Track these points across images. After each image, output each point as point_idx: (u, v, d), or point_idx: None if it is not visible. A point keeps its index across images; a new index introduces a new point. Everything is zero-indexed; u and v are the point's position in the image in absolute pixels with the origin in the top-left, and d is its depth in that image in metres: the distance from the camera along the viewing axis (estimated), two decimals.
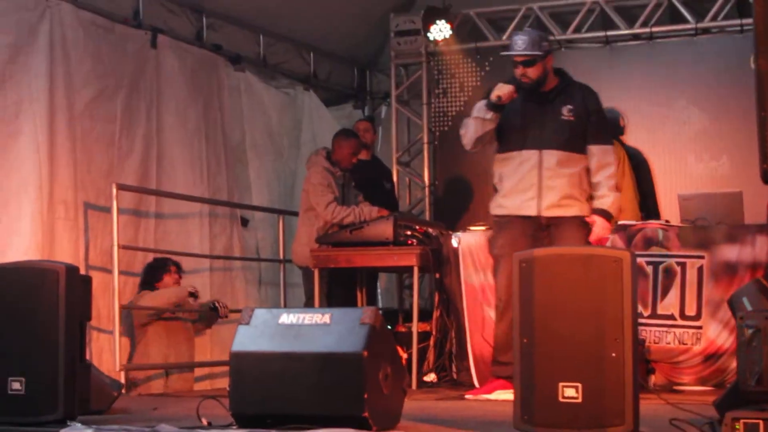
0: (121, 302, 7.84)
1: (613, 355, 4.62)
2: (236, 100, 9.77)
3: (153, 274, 8.37)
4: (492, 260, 8.04)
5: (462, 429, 5.32)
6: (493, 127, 6.93)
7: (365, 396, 4.86)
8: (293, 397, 4.97)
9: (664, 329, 7.71)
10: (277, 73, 10.42)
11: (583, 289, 4.72)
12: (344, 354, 4.94)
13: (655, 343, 7.70)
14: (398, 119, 11.21)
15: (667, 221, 8.01)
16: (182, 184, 8.90)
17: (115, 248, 7.75)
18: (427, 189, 11.02)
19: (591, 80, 7.37)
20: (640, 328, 7.38)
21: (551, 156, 6.90)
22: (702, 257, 7.67)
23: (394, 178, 10.71)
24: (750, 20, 9.45)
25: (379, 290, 10.42)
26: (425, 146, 11.04)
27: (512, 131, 6.98)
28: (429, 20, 10.53)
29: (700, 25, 9.98)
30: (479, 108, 6.95)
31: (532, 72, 6.89)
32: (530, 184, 6.92)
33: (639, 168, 8.95)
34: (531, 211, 6.92)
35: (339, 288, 8.81)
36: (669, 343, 7.71)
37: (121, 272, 7.85)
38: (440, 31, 10.52)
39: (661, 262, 7.74)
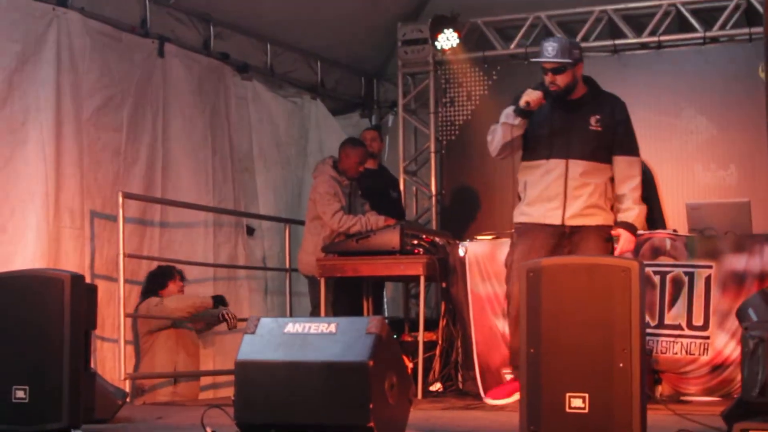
0: (126, 311, 7.82)
1: (621, 365, 4.60)
2: (243, 108, 9.76)
3: (157, 282, 8.35)
4: (500, 268, 8.07)
5: None
6: (520, 134, 6.88)
7: (371, 406, 4.85)
8: (298, 407, 4.97)
9: (672, 339, 7.67)
10: (284, 82, 10.41)
11: (591, 298, 4.71)
12: (350, 363, 4.93)
13: (662, 353, 7.65)
14: (405, 128, 11.19)
15: (674, 231, 7.97)
16: (188, 193, 8.88)
17: (121, 257, 7.74)
18: (433, 198, 11.00)
19: None
20: (648, 338, 7.34)
21: (577, 166, 6.86)
22: (710, 267, 7.63)
23: (401, 187, 10.69)
24: (759, 29, 9.50)
25: (385, 299, 10.39)
26: (432, 155, 11.02)
27: (539, 139, 6.93)
28: (436, 29, 10.53)
29: (708, 33, 9.95)
30: (507, 114, 6.89)
31: (561, 80, 6.84)
32: (556, 193, 6.88)
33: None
34: (555, 219, 6.88)
35: (345, 297, 8.79)
36: (676, 354, 7.66)
37: (126, 281, 7.84)
38: (448, 40, 10.51)
39: (668, 272, 7.70)
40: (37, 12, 7.74)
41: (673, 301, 7.71)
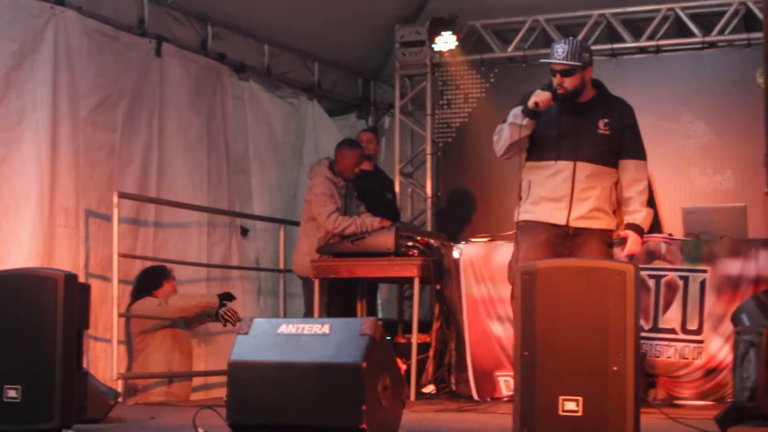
0: (120, 310, 7.81)
1: (615, 369, 4.60)
2: (240, 109, 9.74)
3: (152, 282, 8.33)
4: (495, 271, 8.07)
5: None
6: (528, 134, 6.82)
7: (364, 407, 4.84)
8: (291, 408, 4.96)
9: (666, 343, 7.67)
10: (281, 83, 10.40)
11: (585, 302, 4.70)
12: (343, 364, 4.92)
13: (656, 356, 7.66)
14: (402, 130, 11.18)
15: (670, 235, 7.97)
16: (182, 193, 8.86)
17: (115, 256, 7.72)
18: (429, 200, 10.98)
19: None
20: (642, 341, 7.34)
21: (584, 168, 6.83)
22: (705, 271, 7.63)
23: (397, 189, 10.68)
24: (757, 35, 9.51)
25: (379, 301, 10.38)
26: (428, 157, 11.00)
27: (547, 140, 6.87)
28: (434, 31, 10.52)
29: (707, 38, 9.94)
30: (515, 114, 6.82)
31: (569, 82, 6.80)
32: (562, 195, 6.84)
33: None
34: (560, 220, 6.84)
35: (339, 298, 8.78)
36: (670, 357, 7.67)
37: (120, 281, 7.81)
38: (446, 42, 10.49)
39: (663, 276, 7.71)
40: (35, 10, 7.73)
41: (668, 305, 7.71)
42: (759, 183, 9.32)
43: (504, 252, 8.11)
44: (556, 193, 6.84)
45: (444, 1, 10.82)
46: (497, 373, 8.03)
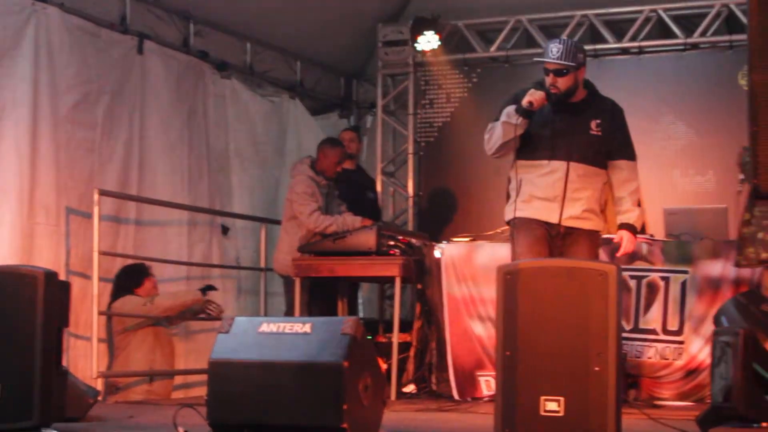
0: (100, 308, 7.77)
1: (597, 369, 4.60)
2: (221, 107, 9.71)
3: (132, 279, 8.30)
4: (476, 271, 8.07)
5: None
6: (520, 133, 6.79)
7: (345, 407, 4.84)
8: (272, 407, 4.94)
9: (646, 344, 7.69)
10: (263, 81, 10.37)
11: (567, 302, 4.70)
12: (324, 364, 4.91)
13: (636, 357, 7.67)
14: (384, 129, 11.17)
15: (651, 235, 7.98)
16: (163, 191, 8.83)
17: (96, 254, 7.69)
18: (410, 199, 10.97)
19: None
20: (622, 342, 7.34)
21: (577, 169, 6.83)
22: (686, 272, 7.65)
23: (378, 188, 10.67)
24: (739, 36, 9.54)
25: (360, 300, 10.37)
26: (410, 157, 10.99)
27: (540, 140, 6.86)
28: (417, 31, 10.50)
29: (689, 40, 9.97)
30: (509, 113, 6.79)
31: (563, 82, 6.79)
32: (554, 194, 6.83)
33: None
34: (552, 218, 6.83)
35: (320, 297, 8.76)
36: (650, 358, 7.68)
37: (100, 278, 7.78)
38: (428, 41, 10.48)
39: (644, 277, 7.72)
40: (16, 7, 7.69)
41: (649, 306, 7.73)
42: None
43: (485, 252, 8.13)
44: (548, 193, 6.83)
45: (426, 1, 10.83)
46: (478, 373, 8.03)
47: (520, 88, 7.01)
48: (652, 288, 7.68)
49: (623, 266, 7.35)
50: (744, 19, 9.64)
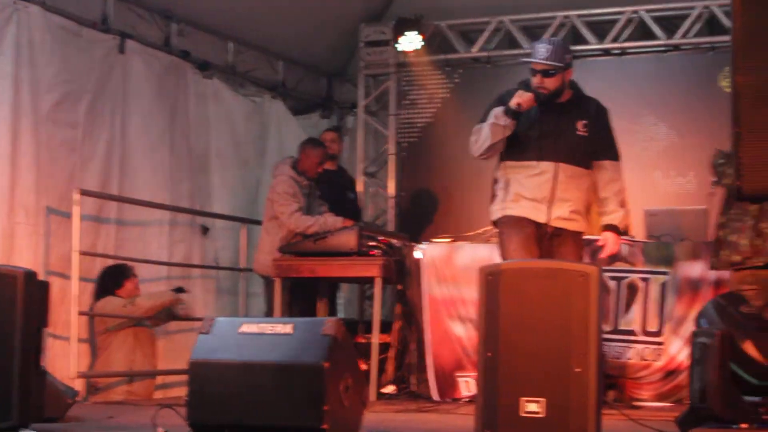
0: (80, 308, 7.74)
1: (578, 370, 4.60)
2: (203, 107, 9.68)
3: (113, 280, 8.30)
4: (456, 271, 8.07)
5: None
6: (508, 135, 6.80)
7: (325, 408, 4.82)
8: (252, 408, 4.93)
9: (626, 345, 7.70)
10: (245, 81, 10.36)
11: (548, 303, 4.70)
12: (305, 364, 4.90)
13: (615, 358, 7.68)
14: (365, 130, 11.15)
15: (632, 236, 7.99)
16: (144, 190, 8.81)
17: (76, 254, 7.66)
18: (391, 200, 10.96)
19: None
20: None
21: (566, 170, 6.85)
22: (666, 273, 7.67)
23: (359, 189, 10.65)
24: (720, 38, 9.57)
25: (340, 300, 10.35)
26: (391, 157, 10.98)
27: (528, 141, 6.86)
28: (399, 31, 10.49)
29: (670, 41, 9.99)
30: (497, 115, 6.80)
31: (551, 83, 6.80)
32: (543, 195, 6.83)
33: None
34: (541, 218, 6.85)
35: (300, 298, 8.75)
36: (630, 359, 7.69)
37: (80, 278, 7.76)
38: (410, 42, 10.47)
39: (624, 278, 7.74)
40: None
41: (628, 307, 7.75)
42: None
43: (466, 253, 8.13)
44: (536, 194, 6.83)
45: (409, 1, 10.82)
46: (458, 374, 8.03)
47: (505, 89, 7.02)
48: (632, 289, 7.70)
49: (603, 267, 7.39)
50: (725, 21, 9.69)
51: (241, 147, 10.20)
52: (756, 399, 4.82)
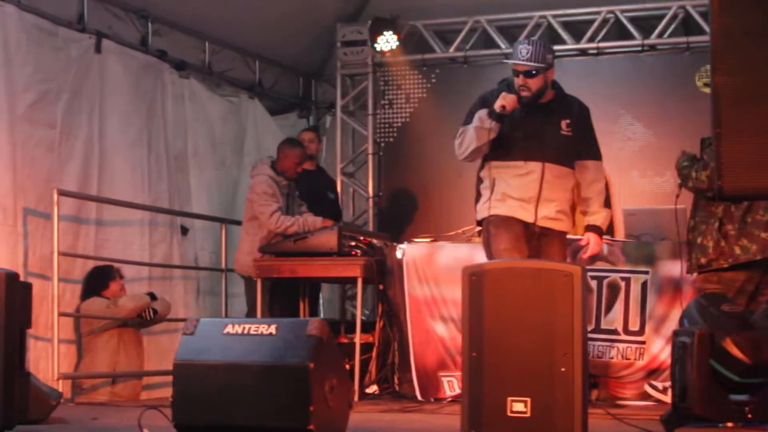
0: (60, 309, 7.71)
1: (563, 369, 4.61)
2: (180, 107, 9.65)
3: (98, 281, 8.29)
4: (437, 271, 8.07)
5: None
6: (493, 137, 6.79)
7: (311, 408, 4.82)
8: (238, 409, 4.91)
9: (608, 344, 7.72)
10: (222, 81, 10.34)
11: (533, 303, 4.71)
12: (290, 365, 4.89)
13: (598, 357, 7.70)
14: (343, 130, 11.16)
15: (612, 236, 8.02)
16: (123, 191, 8.78)
17: (56, 255, 7.63)
18: (371, 200, 10.97)
19: None
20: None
21: (552, 170, 6.86)
22: (646, 272, 7.69)
23: (338, 189, 10.65)
24: (696, 38, 9.63)
25: (321, 300, 10.35)
26: (370, 157, 10.98)
27: (512, 141, 6.85)
28: (376, 31, 10.50)
29: (646, 41, 10.03)
30: (481, 118, 6.78)
31: (533, 83, 6.80)
32: (529, 195, 6.84)
33: None
34: (528, 217, 6.85)
35: (281, 298, 8.74)
36: (612, 358, 7.71)
37: (60, 279, 7.72)
38: (387, 42, 10.48)
39: (605, 277, 7.75)
40: None
41: (610, 306, 7.76)
42: None
43: (447, 252, 8.14)
44: (523, 193, 6.84)
45: (385, 1, 10.82)
46: (441, 374, 8.04)
47: (485, 89, 7.02)
48: (614, 288, 7.72)
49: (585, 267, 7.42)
50: (701, 21, 9.75)
51: (218, 147, 10.18)
52: (742, 398, 4.84)
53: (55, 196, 7.66)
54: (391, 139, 10.88)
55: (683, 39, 9.92)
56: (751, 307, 6.63)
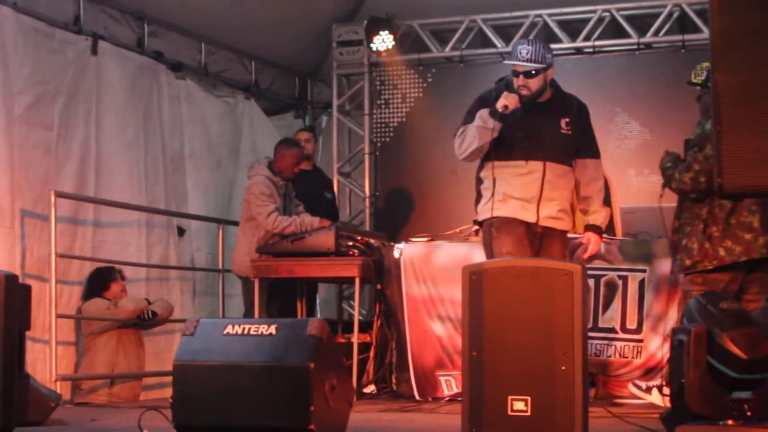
0: (58, 311, 7.71)
1: (563, 368, 4.61)
2: (176, 108, 9.65)
3: (99, 284, 8.30)
4: (435, 271, 8.08)
5: None
6: (495, 137, 6.77)
7: (312, 408, 4.82)
8: (238, 409, 4.91)
9: (605, 342, 7.72)
10: (218, 82, 10.34)
11: (533, 302, 4.71)
12: (291, 365, 4.90)
13: (595, 356, 7.70)
14: (339, 129, 11.16)
15: (609, 234, 8.02)
16: (120, 192, 8.77)
17: (53, 257, 7.63)
18: (367, 200, 10.97)
19: None
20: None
21: (554, 168, 6.85)
22: (643, 271, 7.69)
23: (335, 189, 10.65)
24: (691, 36, 9.66)
25: (317, 301, 10.35)
26: (366, 157, 10.99)
27: (512, 141, 6.82)
28: (372, 31, 10.52)
29: (642, 40, 10.05)
30: (483, 118, 6.75)
31: (533, 83, 6.79)
32: (531, 195, 6.82)
33: None
34: (530, 218, 6.84)
35: (278, 298, 8.73)
36: (610, 356, 7.72)
37: (57, 281, 7.71)
38: (383, 41, 10.50)
39: (603, 275, 7.76)
40: None
41: (607, 305, 7.76)
42: None
43: (444, 252, 8.15)
44: (524, 193, 6.82)
45: (381, 1, 10.82)
46: (438, 373, 8.05)
47: (484, 89, 7.01)
48: (611, 287, 7.72)
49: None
50: (696, 19, 9.77)
51: (214, 148, 10.18)
52: (742, 395, 4.85)
53: (53, 198, 7.66)
54: (388, 139, 10.89)
55: (679, 37, 9.95)
56: None
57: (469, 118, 6.86)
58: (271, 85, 11.14)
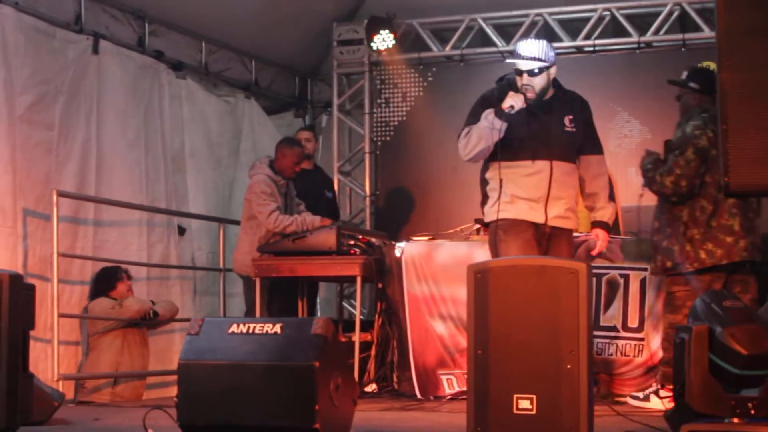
0: (60, 310, 7.71)
1: (569, 367, 4.62)
2: (177, 107, 9.65)
3: (105, 283, 8.32)
4: (436, 269, 8.08)
5: None
6: (501, 137, 6.74)
7: (317, 407, 4.82)
8: (243, 409, 4.91)
9: (607, 341, 7.73)
10: (218, 81, 10.34)
11: (538, 300, 4.71)
12: (296, 365, 4.90)
13: (597, 354, 7.70)
14: (340, 129, 11.17)
15: (617, 231, 8.04)
16: (121, 191, 8.78)
17: (55, 256, 7.63)
18: (368, 199, 10.97)
19: None
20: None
21: (560, 167, 6.83)
22: (645, 269, 7.69)
23: (335, 188, 10.65)
24: (692, 35, 9.67)
25: (318, 300, 10.35)
26: (367, 156, 10.99)
27: (519, 141, 6.80)
28: (372, 30, 10.53)
29: (642, 39, 10.06)
30: (488, 118, 6.72)
31: (537, 82, 6.78)
32: (539, 195, 6.79)
33: None
34: (539, 218, 6.80)
35: (280, 297, 8.73)
36: (611, 355, 7.72)
37: (59, 280, 7.71)
38: (383, 41, 10.51)
39: (604, 274, 7.76)
40: None
41: (609, 303, 7.76)
42: None
43: (446, 250, 8.15)
44: (532, 193, 6.78)
45: (381, 0, 10.82)
46: (440, 372, 8.05)
47: (486, 90, 7.00)
48: (612, 285, 7.72)
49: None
50: (696, 18, 9.78)
51: (215, 147, 10.19)
52: (748, 393, 4.85)
53: (55, 197, 7.67)
54: (388, 138, 10.90)
55: (679, 36, 9.97)
56: None
57: (473, 118, 6.82)
58: (272, 84, 11.15)
